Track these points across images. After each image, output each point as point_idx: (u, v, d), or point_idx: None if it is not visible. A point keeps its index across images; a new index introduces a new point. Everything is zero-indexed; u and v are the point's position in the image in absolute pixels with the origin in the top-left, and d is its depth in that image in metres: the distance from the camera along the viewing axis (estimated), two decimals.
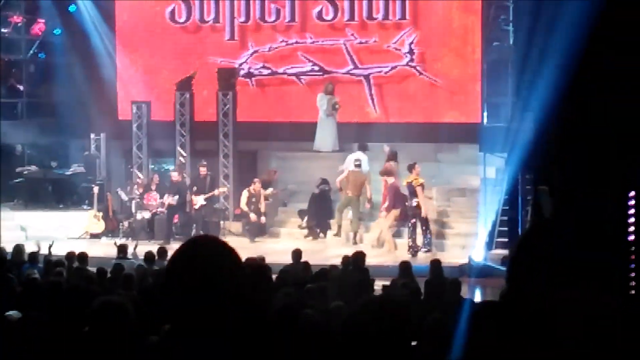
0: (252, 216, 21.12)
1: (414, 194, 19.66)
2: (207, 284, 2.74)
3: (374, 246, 19.84)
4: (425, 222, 19.67)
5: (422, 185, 19.72)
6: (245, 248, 17.12)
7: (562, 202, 14.40)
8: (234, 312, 2.77)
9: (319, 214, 21.18)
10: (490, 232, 18.96)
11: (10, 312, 8.57)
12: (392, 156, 21.10)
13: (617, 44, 13.43)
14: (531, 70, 16.09)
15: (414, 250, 19.47)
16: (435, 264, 14.25)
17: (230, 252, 2.85)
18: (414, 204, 19.60)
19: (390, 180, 20.14)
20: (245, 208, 21.29)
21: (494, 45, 21.14)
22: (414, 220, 19.65)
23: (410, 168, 20.00)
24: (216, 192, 21.59)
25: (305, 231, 21.20)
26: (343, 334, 3.68)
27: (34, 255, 15.04)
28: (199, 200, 21.29)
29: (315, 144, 23.20)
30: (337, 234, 20.77)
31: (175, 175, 21.68)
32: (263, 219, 21.28)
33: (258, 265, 11.05)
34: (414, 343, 8.19)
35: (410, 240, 19.61)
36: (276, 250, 18.39)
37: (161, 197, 21.51)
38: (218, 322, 2.74)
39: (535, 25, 15.93)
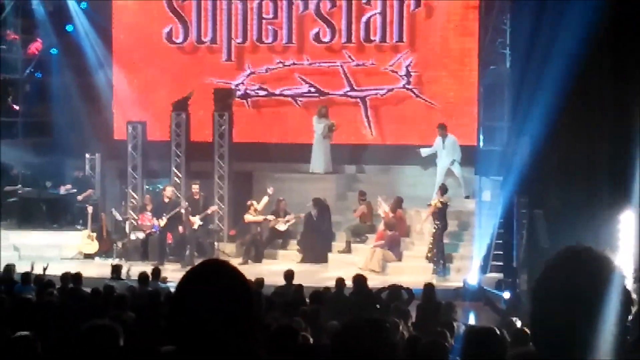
0: (270, 217, 21.48)
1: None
2: (217, 309, 2.72)
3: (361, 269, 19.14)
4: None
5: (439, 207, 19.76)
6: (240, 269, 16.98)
7: (557, 226, 14.38)
8: (243, 336, 2.74)
9: (312, 242, 21.18)
10: (485, 255, 18.91)
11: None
12: (398, 204, 21.03)
13: (613, 69, 13.46)
14: (527, 94, 16.07)
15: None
16: (428, 287, 14.20)
17: (240, 277, 2.85)
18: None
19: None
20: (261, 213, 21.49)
21: (490, 68, 21.15)
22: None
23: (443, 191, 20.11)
24: (209, 210, 21.48)
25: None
26: (330, 355, 3.67)
27: (26, 276, 14.92)
28: (195, 221, 21.19)
29: (311, 166, 23.17)
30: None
31: (168, 192, 21.55)
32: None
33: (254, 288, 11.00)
34: None
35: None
36: (272, 272, 18.25)
37: (157, 218, 21.34)
38: (224, 346, 2.71)
39: (532, 49, 15.93)
